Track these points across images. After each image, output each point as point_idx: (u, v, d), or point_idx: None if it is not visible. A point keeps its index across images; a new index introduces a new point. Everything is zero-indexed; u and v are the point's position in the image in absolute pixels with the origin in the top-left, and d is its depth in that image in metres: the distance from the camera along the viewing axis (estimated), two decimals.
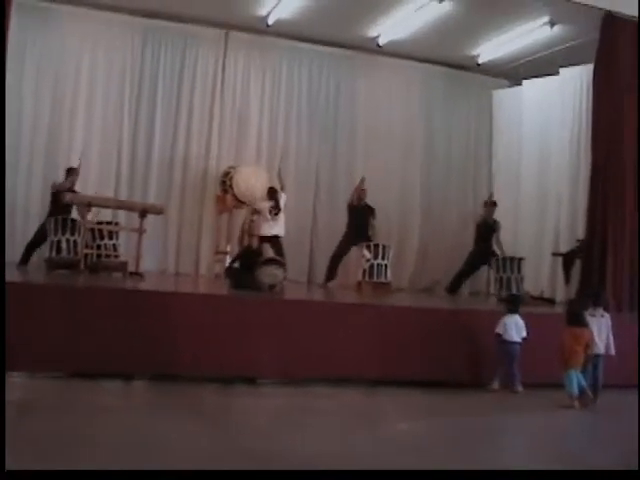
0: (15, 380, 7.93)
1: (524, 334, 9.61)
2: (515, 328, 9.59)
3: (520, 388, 9.51)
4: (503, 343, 9.55)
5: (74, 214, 12.57)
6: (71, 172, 12.84)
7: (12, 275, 10.38)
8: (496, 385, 9.54)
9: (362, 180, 14.51)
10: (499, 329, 9.58)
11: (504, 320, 9.63)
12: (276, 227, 13.57)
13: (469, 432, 7.61)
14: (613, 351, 9.35)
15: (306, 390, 8.93)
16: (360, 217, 14.29)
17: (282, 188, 14.05)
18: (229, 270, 12.28)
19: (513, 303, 10.13)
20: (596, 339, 9.14)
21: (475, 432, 7.66)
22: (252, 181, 14.36)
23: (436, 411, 8.53)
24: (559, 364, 8.92)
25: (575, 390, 8.85)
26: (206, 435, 6.62)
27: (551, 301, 13.89)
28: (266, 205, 13.65)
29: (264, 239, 12.91)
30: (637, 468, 4.06)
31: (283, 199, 13.86)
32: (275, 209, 13.58)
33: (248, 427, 7.18)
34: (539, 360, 9.57)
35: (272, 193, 13.87)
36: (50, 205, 12.60)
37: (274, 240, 13.20)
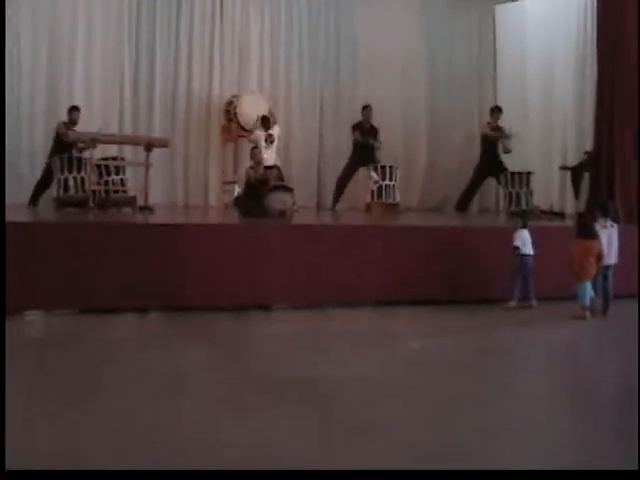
0: (32, 319, 8.06)
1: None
2: (528, 242, 9.62)
3: (535, 302, 9.56)
4: (521, 257, 9.56)
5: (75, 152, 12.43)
6: (73, 110, 12.74)
7: (22, 215, 10.46)
8: (514, 303, 9.52)
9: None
10: (518, 242, 9.57)
11: (519, 234, 9.63)
12: (272, 156, 13.34)
13: (482, 348, 7.69)
14: (616, 260, 9.40)
15: (320, 314, 9.04)
16: (366, 138, 14.14)
17: (274, 122, 13.83)
18: (238, 199, 12.27)
19: (525, 217, 10.17)
20: (605, 250, 9.16)
21: (488, 347, 7.75)
22: (256, 108, 14.25)
23: (452, 329, 8.62)
24: (571, 276, 8.98)
25: (587, 301, 8.93)
26: (226, 364, 6.74)
27: (561, 214, 13.87)
28: (261, 134, 13.47)
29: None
30: (637, 467, 4.14)
31: (276, 130, 13.69)
32: (270, 137, 13.37)
33: (263, 353, 7.29)
34: (550, 273, 9.63)
35: (266, 122, 13.66)
36: (53, 143, 12.51)
37: (273, 169, 12.99)
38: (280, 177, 12.81)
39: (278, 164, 13.28)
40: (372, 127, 14.30)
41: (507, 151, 13.86)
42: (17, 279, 7.53)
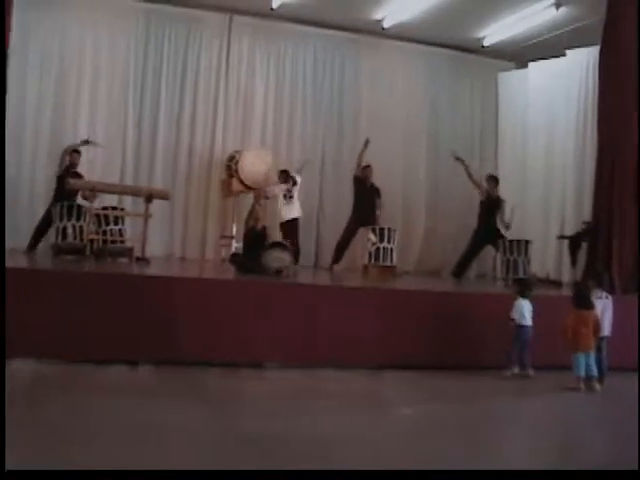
0: (20, 366, 7.95)
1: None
2: (528, 312, 9.52)
3: (532, 372, 9.43)
4: (519, 327, 9.43)
5: (79, 199, 12.55)
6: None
7: (19, 261, 10.42)
8: (510, 372, 9.35)
9: (366, 142, 14.39)
10: (515, 314, 9.45)
11: (520, 304, 9.51)
12: (294, 210, 13.75)
13: (472, 416, 7.60)
14: (609, 332, 9.34)
15: (312, 374, 8.93)
16: (367, 198, 14.20)
17: (299, 171, 14.44)
18: (235, 255, 12.26)
19: (527, 287, 10.03)
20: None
21: (478, 416, 7.65)
22: (257, 165, 14.35)
23: (443, 395, 8.52)
24: (565, 347, 8.90)
25: (582, 372, 8.82)
26: (213, 419, 6.65)
27: (558, 283, 13.85)
28: (282, 188, 13.76)
29: (282, 224, 13.61)
30: (637, 467, 4.05)
31: (298, 182, 14.12)
32: (290, 192, 13.68)
33: (255, 411, 7.19)
34: (546, 342, 9.55)
35: (285, 176, 13.96)
36: (55, 190, 12.59)
37: (291, 223, 13.43)
38: (295, 232, 13.33)
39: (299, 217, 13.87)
40: (372, 186, 14.31)
41: (507, 228, 13.80)
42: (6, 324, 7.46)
